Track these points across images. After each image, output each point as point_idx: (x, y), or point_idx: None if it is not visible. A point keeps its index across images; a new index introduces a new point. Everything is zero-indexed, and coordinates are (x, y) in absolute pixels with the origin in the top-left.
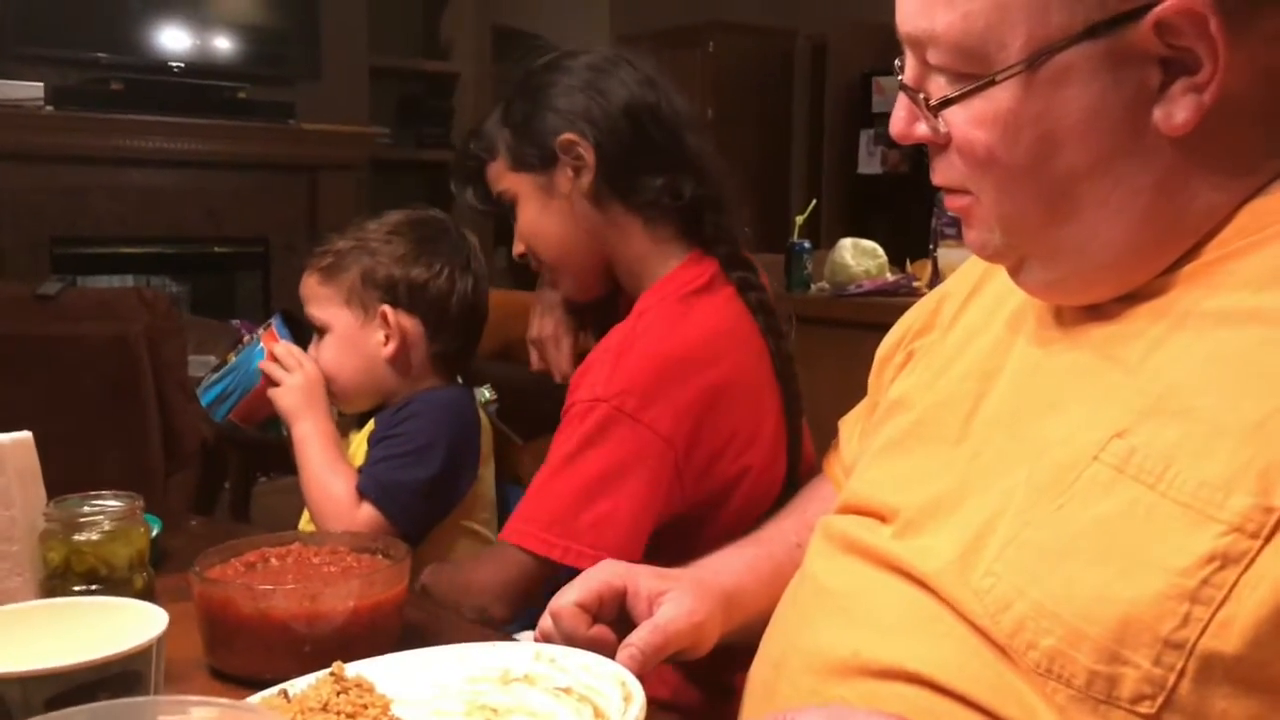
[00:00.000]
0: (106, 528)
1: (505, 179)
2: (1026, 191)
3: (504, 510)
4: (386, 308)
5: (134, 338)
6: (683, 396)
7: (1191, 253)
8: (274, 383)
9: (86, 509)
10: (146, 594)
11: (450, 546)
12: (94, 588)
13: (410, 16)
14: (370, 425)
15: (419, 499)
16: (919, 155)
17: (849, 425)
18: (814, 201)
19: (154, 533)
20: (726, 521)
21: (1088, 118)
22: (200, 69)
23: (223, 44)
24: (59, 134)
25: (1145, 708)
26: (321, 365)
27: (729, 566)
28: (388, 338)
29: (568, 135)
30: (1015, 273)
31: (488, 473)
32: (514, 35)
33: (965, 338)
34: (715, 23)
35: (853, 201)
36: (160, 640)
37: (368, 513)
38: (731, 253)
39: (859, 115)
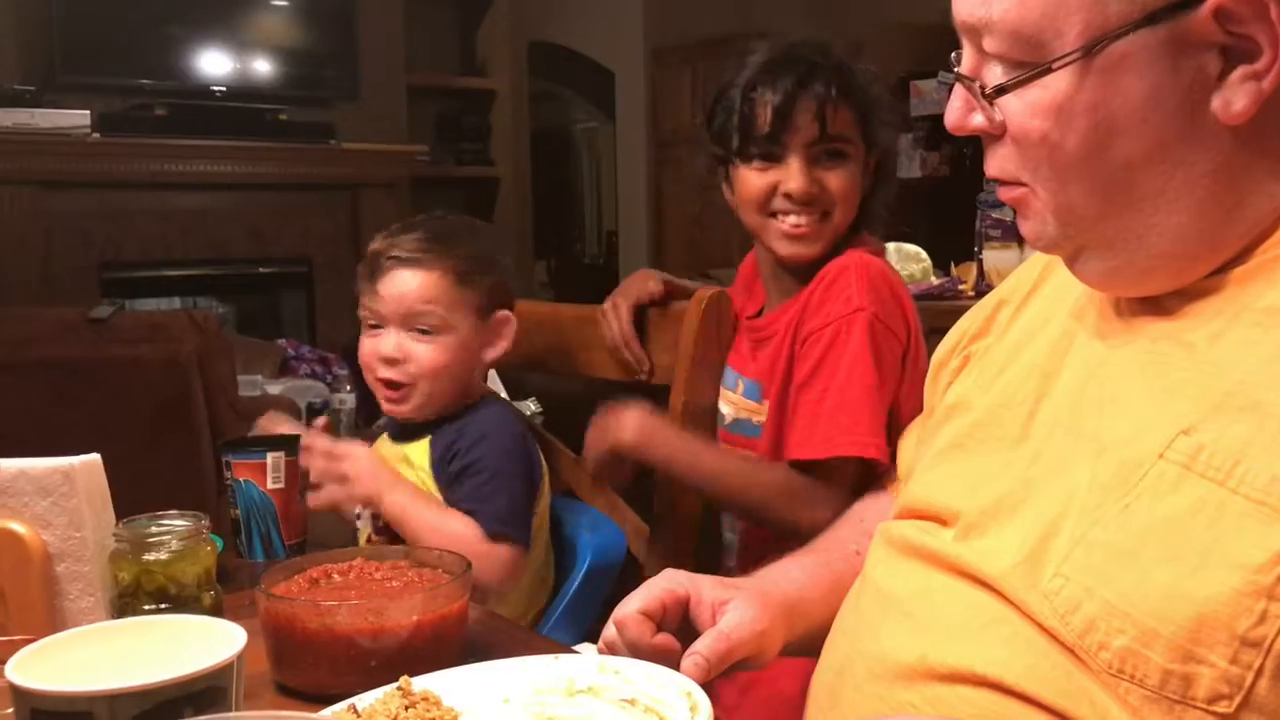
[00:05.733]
0: (174, 547)
1: (849, 128)
2: (1083, 181)
3: (555, 523)
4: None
5: (186, 358)
6: (910, 327)
7: (1244, 253)
8: (313, 487)
9: (155, 529)
10: (215, 611)
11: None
12: (163, 606)
13: (446, 34)
14: (424, 444)
15: (528, 510)
16: (959, 158)
17: (906, 442)
18: None
19: (219, 551)
20: None
21: (1144, 106)
22: (241, 92)
23: (262, 67)
24: (105, 160)
25: (1222, 707)
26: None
27: (789, 576)
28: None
29: (886, 138)
30: (1071, 263)
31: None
32: (549, 50)
33: (1023, 339)
34: (751, 32)
35: (893, 205)
36: (241, 657)
37: (505, 551)
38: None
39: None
